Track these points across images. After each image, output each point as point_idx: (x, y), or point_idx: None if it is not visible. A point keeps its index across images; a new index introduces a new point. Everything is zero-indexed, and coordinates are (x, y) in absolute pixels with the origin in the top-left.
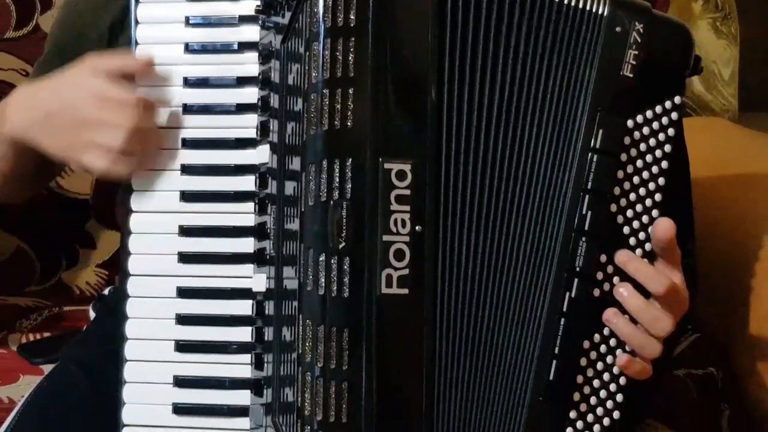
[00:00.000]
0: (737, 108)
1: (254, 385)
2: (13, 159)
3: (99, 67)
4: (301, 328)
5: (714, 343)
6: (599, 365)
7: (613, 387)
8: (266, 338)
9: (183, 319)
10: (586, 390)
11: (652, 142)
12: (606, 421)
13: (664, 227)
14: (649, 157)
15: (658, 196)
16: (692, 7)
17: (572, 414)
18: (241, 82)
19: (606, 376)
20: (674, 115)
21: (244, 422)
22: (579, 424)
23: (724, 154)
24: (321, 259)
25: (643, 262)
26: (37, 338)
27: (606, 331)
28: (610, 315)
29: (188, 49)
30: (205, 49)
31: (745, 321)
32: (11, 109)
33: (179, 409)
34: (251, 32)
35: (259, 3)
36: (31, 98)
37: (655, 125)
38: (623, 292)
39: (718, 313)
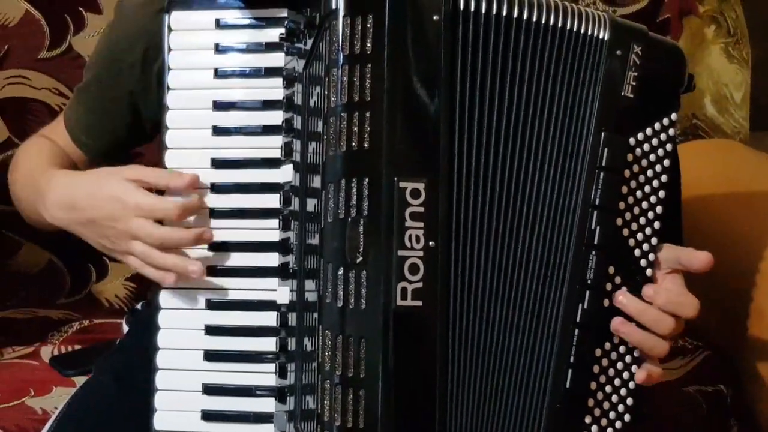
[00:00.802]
0: (748, 130)
1: (278, 393)
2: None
3: (135, 178)
4: (321, 338)
5: (723, 360)
6: (611, 371)
7: (623, 391)
8: (289, 348)
9: (212, 330)
10: (599, 396)
11: (652, 157)
12: (618, 425)
13: (706, 261)
14: (650, 172)
15: (659, 209)
16: (705, 33)
17: (587, 419)
18: (267, 105)
19: (617, 382)
20: (671, 131)
21: (268, 428)
22: (594, 429)
23: (734, 174)
24: (339, 272)
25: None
26: (68, 350)
27: (615, 339)
28: (617, 324)
29: (217, 74)
30: (234, 74)
31: (752, 337)
32: (51, 203)
33: (208, 416)
34: (276, 58)
35: (283, 31)
36: (70, 198)
37: (655, 141)
38: (622, 299)
39: (725, 327)
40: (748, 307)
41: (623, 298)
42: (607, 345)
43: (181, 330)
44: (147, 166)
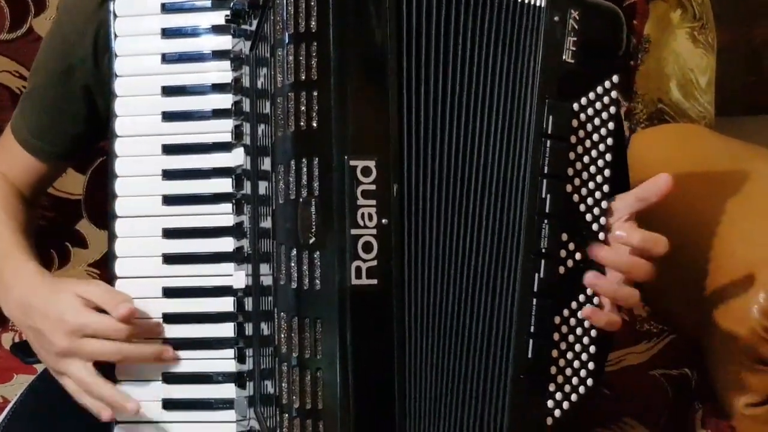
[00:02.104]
0: (713, 114)
1: (237, 378)
2: None
3: (84, 295)
4: (276, 321)
5: (689, 344)
6: (570, 337)
7: (584, 356)
8: (247, 333)
9: (169, 318)
10: (561, 362)
11: (597, 121)
12: (582, 389)
13: (666, 182)
14: (595, 136)
15: (607, 172)
16: (671, 17)
17: (551, 387)
18: (216, 88)
19: (578, 347)
20: (614, 94)
21: (229, 414)
22: (558, 395)
23: (698, 158)
24: (293, 254)
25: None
26: None
27: (574, 305)
28: (591, 278)
29: (165, 59)
30: (181, 58)
31: (716, 321)
32: (13, 299)
33: (168, 404)
34: (224, 41)
35: (228, 12)
36: (28, 302)
37: (598, 105)
38: (598, 251)
39: (692, 311)
40: (712, 289)
41: (601, 251)
42: (566, 312)
43: (138, 320)
44: (102, 285)
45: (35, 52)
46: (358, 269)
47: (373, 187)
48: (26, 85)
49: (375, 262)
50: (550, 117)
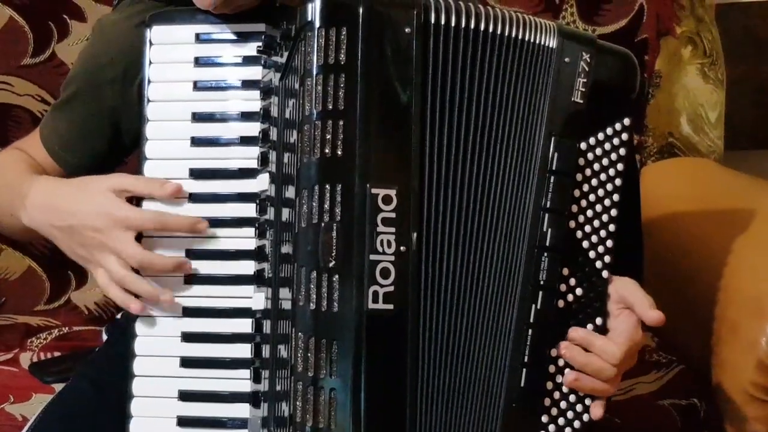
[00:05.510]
0: (723, 149)
1: (252, 398)
2: (27, 232)
3: (120, 187)
4: (294, 340)
5: (697, 374)
6: (567, 371)
7: (581, 391)
8: (264, 354)
9: (188, 337)
10: (556, 395)
11: (605, 161)
12: (577, 424)
13: (659, 318)
14: (603, 176)
15: (613, 212)
16: (681, 53)
17: (544, 418)
18: (245, 116)
19: None
20: (624, 136)
21: None
22: (551, 428)
23: (708, 193)
24: (312, 276)
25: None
26: (47, 357)
27: None
28: (562, 349)
29: (197, 86)
30: (212, 86)
31: (724, 352)
32: (32, 204)
33: (183, 422)
34: (254, 71)
35: (260, 44)
36: (53, 201)
37: (607, 146)
38: (565, 353)
39: (700, 342)
40: (720, 321)
41: (566, 352)
42: (563, 345)
43: (157, 337)
44: (129, 175)
45: (58, 77)
46: (375, 294)
47: (393, 215)
48: (48, 109)
49: (392, 288)
50: (556, 154)
